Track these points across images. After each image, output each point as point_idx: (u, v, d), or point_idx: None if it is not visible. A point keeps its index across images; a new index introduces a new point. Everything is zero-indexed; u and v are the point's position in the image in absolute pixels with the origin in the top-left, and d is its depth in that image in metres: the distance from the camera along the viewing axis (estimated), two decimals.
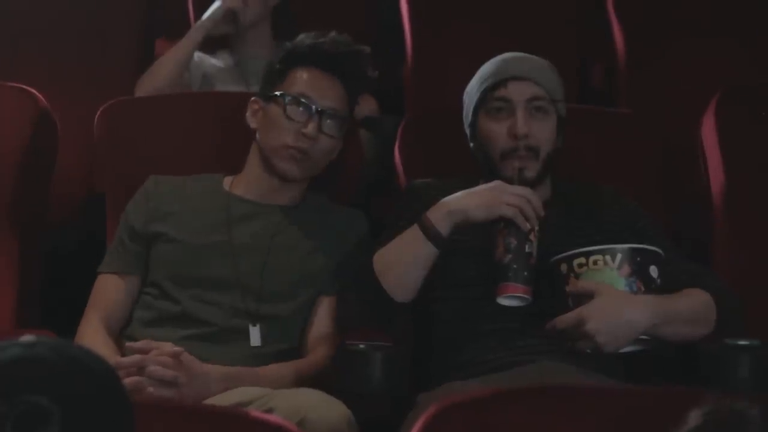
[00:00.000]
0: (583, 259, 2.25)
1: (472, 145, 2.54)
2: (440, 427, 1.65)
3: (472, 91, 2.54)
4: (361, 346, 2.28)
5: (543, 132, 2.45)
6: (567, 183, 2.55)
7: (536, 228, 2.29)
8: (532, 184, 2.41)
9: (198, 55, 3.48)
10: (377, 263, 2.36)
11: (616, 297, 2.21)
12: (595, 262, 2.24)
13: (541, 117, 2.46)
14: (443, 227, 2.32)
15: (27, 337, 1.30)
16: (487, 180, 2.44)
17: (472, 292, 2.38)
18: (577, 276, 2.25)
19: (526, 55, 2.54)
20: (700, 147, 2.92)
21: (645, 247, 2.27)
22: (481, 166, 2.52)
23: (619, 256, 2.24)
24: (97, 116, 2.82)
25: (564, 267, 2.27)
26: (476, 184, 2.48)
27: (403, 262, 2.35)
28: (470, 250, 2.39)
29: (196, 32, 3.45)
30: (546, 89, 2.47)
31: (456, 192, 2.40)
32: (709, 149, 2.88)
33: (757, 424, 1.36)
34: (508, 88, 2.46)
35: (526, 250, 2.28)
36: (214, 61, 3.54)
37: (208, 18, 3.47)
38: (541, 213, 2.29)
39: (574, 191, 2.54)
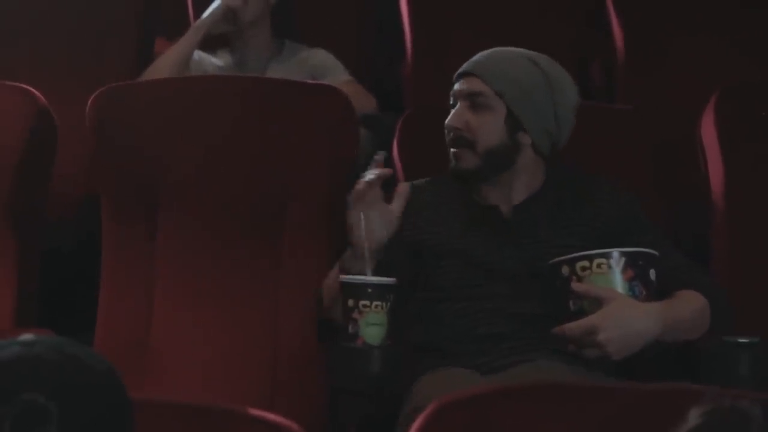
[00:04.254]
0: (586, 262, 2.24)
1: None
2: (439, 426, 1.65)
3: None
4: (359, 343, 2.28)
5: (480, 126, 2.45)
6: (561, 172, 2.54)
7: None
8: (470, 176, 2.45)
9: (198, 54, 3.49)
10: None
11: (625, 306, 2.21)
12: (599, 266, 2.23)
13: (481, 112, 2.46)
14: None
15: (26, 336, 1.30)
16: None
17: (465, 295, 2.38)
18: (580, 279, 2.24)
19: (497, 50, 2.53)
20: (699, 143, 2.92)
21: (646, 251, 2.27)
22: None
23: (623, 260, 2.23)
24: (89, 102, 2.76)
25: (566, 269, 2.25)
26: None
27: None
28: (462, 254, 2.39)
29: (196, 31, 3.45)
30: (491, 85, 2.46)
31: (445, 190, 2.51)
32: (708, 146, 2.88)
33: (760, 423, 1.36)
34: (457, 85, 2.50)
35: None
36: (214, 60, 3.54)
37: (208, 16, 3.47)
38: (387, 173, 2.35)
39: (567, 182, 2.53)
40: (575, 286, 2.23)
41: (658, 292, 2.27)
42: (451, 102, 2.50)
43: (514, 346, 2.32)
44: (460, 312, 2.37)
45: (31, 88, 2.83)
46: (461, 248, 2.40)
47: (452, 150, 2.47)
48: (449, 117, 2.48)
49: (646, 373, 2.38)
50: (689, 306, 2.31)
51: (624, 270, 2.23)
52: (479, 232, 2.44)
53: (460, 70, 2.51)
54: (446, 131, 2.48)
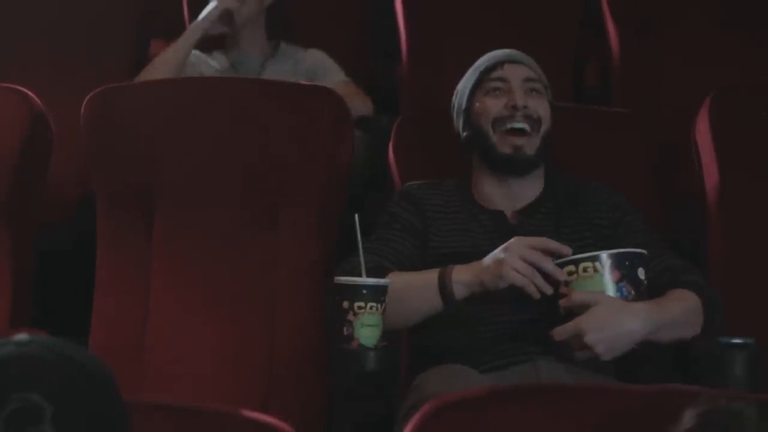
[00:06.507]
0: (572, 267, 2.24)
1: (464, 133, 2.57)
2: (434, 427, 1.65)
3: (465, 81, 2.59)
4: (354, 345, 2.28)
5: (541, 107, 2.51)
6: (557, 177, 2.56)
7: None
8: (530, 162, 2.47)
9: (195, 55, 3.49)
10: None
11: (611, 307, 2.21)
12: (585, 270, 2.23)
13: (537, 96, 2.52)
14: (460, 294, 2.32)
15: (21, 336, 1.30)
16: (483, 169, 2.51)
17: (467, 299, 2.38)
18: (568, 284, 2.24)
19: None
20: (694, 145, 2.92)
21: (632, 250, 2.27)
22: (473, 152, 2.56)
23: (608, 262, 2.23)
24: (85, 103, 2.76)
25: None
26: (467, 187, 2.54)
27: (407, 306, 2.33)
28: (468, 257, 2.39)
29: (192, 32, 3.45)
30: (540, 76, 2.54)
31: (449, 195, 2.50)
32: (703, 148, 2.89)
33: (754, 423, 1.36)
34: (504, 68, 2.53)
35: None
36: (210, 61, 3.54)
37: (205, 18, 3.47)
38: (561, 278, 2.25)
39: (564, 186, 2.55)
40: (561, 300, 2.23)
41: (651, 290, 2.27)
42: (493, 86, 2.52)
43: (514, 347, 2.33)
44: (462, 314, 2.37)
45: (26, 90, 2.83)
46: (467, 252, 2.40)
47: (520, 127, 2.47)
48: (518, 97, 2.48)
49: (642, 374, 2.38)
50: (680, 304, 2.31)
51: (611, 272, 2.23)
52: (485, 236, 2.44)
53: (502, 57, 2.55)
54: (510, 110, 2.48)
